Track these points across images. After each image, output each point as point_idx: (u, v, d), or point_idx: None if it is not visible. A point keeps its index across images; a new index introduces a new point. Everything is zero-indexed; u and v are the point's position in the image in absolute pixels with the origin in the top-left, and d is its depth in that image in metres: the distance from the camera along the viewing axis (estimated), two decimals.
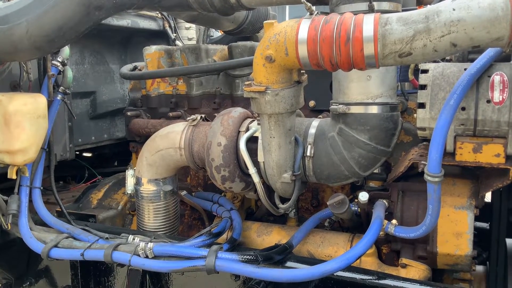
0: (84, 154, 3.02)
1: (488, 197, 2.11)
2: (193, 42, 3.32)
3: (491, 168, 1.55)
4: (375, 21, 1.29)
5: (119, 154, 3.14)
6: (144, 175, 2.02)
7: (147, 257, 1.79)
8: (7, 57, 1.99)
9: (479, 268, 2.01)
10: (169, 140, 1.96)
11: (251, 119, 1.86)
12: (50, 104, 2.12)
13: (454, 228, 1.63)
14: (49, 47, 1.96)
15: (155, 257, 1.80)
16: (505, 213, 1.92)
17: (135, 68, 2.55)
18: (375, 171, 1.77)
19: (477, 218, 1.97)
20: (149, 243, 1.81)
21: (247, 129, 1.81)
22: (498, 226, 1.93)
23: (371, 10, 1.40)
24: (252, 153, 1.77)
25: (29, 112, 1.98)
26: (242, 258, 1.69)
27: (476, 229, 2.02)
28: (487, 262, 2.02)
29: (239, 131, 1.82)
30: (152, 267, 1.80)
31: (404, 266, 1.73)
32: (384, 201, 1.75)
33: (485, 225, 2.11)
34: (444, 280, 1.85)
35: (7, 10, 1.85)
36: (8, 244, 2.20)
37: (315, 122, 1.74)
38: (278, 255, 1.72)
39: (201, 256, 1.72)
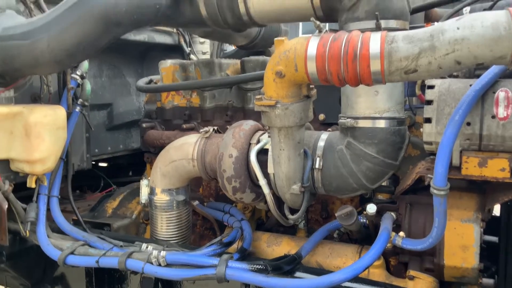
0: (100, 164, 3.03)
1: (497, 211, 2.12)
2: (207, 56, 3.33)
3: (496, 182, 1.53)
4: (382, 39, 1.30)
5: (134, 165, 3.14)
6: (158, 185, 2.03)
7: (159, 265, 1.80)
8: (28, 70, 2.03)
9: (489, 281, 1.98)
10: (183, 151, 1.97)
11: (262, 132, 1.87)
12: (69, 115, 2.15)
13: (461, 241, 1.62)
14: (69, 61, 2.01)
15: (168, 265, 1.80)
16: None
17: (150, 81, 2.56)
18: (383, 184, 1.75)
19: (486, 232, 1.96)
20: (162, 251, 1.82)
21: (258, 142, 1.82)
22: (506, 240, 1.90)
23: (378, 28, 1.40)
24: (263, 165, 1.77)
25: (48, 123, 2.00)
26: (252, 267, 1.70)
27: (485, 242, 2.00)
28: (496, 276, 1.99)
29: (250, 143, 1.83)
30: (164, 275, 1.81)
31: (412, 278, 1.72)
32: (392, 213, 1.74)
33: (494, 238, 2.08)
34: None
35: (30, 26, 1.88)
36: (26, 251, 2.20)
37: (324, 135, 1.74)
38: (287, 265, 1.72)
39: (212, 265, 1.73)
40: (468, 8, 1.98)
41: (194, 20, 1.86)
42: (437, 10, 2.04)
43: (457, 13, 1.96)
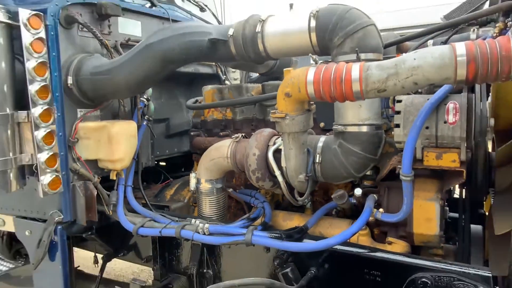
0: (161, 163, 3.03)
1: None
2: (237, 81, 3.34)
3: (450, 170, 1.55)
4: (360, 68, 1.34)
5: (185, 163, 3.13)
6: (202, 177, 2.07)
7: (204, 234, 1.82)
8: (110, 96, 2.09)
9: (450, 246, 1.98)
10: (220, 152, 2.00)
11: (277, 136, 1.88)
12: (138, 127, 2.18)
13: (425, 215, 1.62)
14: (138, 89, 2.09)
15: (210, 234, 1.82)
16: (468, 205, 1.89)
17: (196, 101, 2.61)
18: (367, 173, 1.76)
19: (451, 210, 1.96)
20: (206, 224, 1.84)
21: (274, 144, 1.84)
22: (462, 215, 1.90)
23: (358, 60, 1.46)
24: (277, 160, 1.79)
25: (124, 133, 2.04)
26: (271, 235, 1.72)
27: (450, 218, 1.99)
28: (457, 242, 1.98)
29: (268, 145, 1.85)
30: (208, 241, 1.83)
31: (390, 243, 1.74)
32: (374, 195, 1.76)
33: (456, 215, 2.04)
34: (422, 255, 1.80)
35: (111, 65, 1.95)
36: (109, 225, 2.23)
37: (322, 138, 1.77)
38: (297, 234, 1.74)
39: (242, 233, 1.75)
40: (431, 41, 1.96)
41: (227, 57, 1.86)
42: (408, 43, 2.02)
43: (422, 45, 1.95)
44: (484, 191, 1.84)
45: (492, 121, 1.57)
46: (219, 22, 3.68)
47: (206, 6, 3.50)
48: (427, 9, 11.33)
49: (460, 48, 1.19)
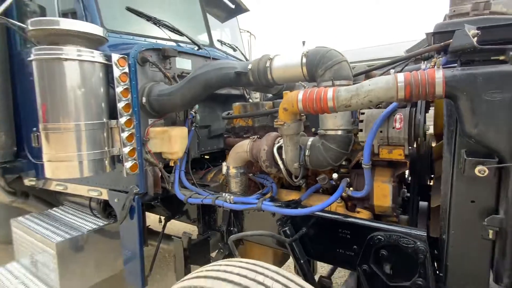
0: (205, 156, 2.99)
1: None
2: (257, 100, 3.23)
3: (398, 161, 1.58)
4: (333, 91, 1.37)
5: (221, 156, 3.04)
6: (231, 165, 2.07)
7: (231, 203, 1.87)
8: (170, 110, 2.07)
9: (404, 217, 1.93)
10: (242, 148, 2.01)
11: (280, 138, 1.88)
12: (188, 131, 2.21)
13: (382, 192, 1.64)
14: (189, 105, 2.07)
15: (235, 203, 1.87)
16: (416, 187, 1.87)
17: (228, 113, 2.56)
18: (342, 163, 1.77)
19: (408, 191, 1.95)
20: (232, 196, 1.89)
21: (278, 142, 1.85)
22: (413, 194, 1.89)
23: (333, 85, 1.50)
24: (280, 154, 1.80)
25: (179, 135, 2.05)
26: (275, 204, 1.77)
27: (406, 196, 1.99)
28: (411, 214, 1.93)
29: (274, 143, 1.85)
30: (233, 207, 1.87)
31: (358, 212, 1.76)
32: (347, 179, 1.77)
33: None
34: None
35: (171, 90, 1.95)
36: (169, 197, 2.24)
37: (311, 139, 1.77)
38: (294, 204, 1.77)
39: (255, 203, 1.80)
40: (392, 71, 1.94)
41: (247, 83, 1.85)
42: (374, 72, 1.97)
43: (385, 72, 1.88)
44: (427, 176, 1.84)
45: (427, 127, 1.57)
46: (246, 59, 3.71)
47: (237, 47, 3.58)
48: (395, 45, 11.01)
49: (400, 76, 1.21)
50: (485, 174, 1.15)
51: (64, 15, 2.21)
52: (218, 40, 3.21)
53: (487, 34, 1.16)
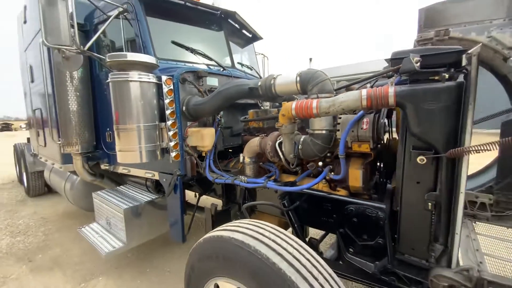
0: (229, 150, 2.86)
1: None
2: (267, 107, 3.24)
3: (366, 153, 1.59)
4: (317, 102, 1.43)
5: (240, 149, 2.73)
6: (246, 155, 2.07)
7: (245, 182, 1.90)
8: (202, 116, 2.09)
9: (376, 196, 1.98)
10: (254, 143, 2.01)
11: (280, 136, 1.86)
12: (216, 131, 2.21)
13: (354, 176, 1.63)
14: (215, 112, 2.06)
15: (248, 182, 1.86)
16: (383, 172, 1.89)
17: (245, 117, 2.57)
18: (327, 154, 1.74)
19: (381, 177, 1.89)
20: (246, 177, 1.95)
21: (279, 139, 1.87)
22: (382, 178, 1.89)
23: (317, 97, 1.56)
24: (280, 147, 1.82)
25: (209, 134, 2.08)
26: (277, 184, 1.79)
27: (379, 180, 1.99)
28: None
29: (276, 140, 1.87)
30: (247, 185, 1.90)
31: (338, 190, 1.77)
32: (330, 166, 1.74)
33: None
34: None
35: (203, 101, 2.03)
36: (202, 178, 2.22)
37: (303, 136, 1.75)
38: (291, 184, 1.79)
39: (263, 182, 1.84)
40: (369, 85, 1.92)
41: (259, 96, 1.85)
42: (354, 86, 1.94)
43: (363, 86, 1.90)
44: (391, 165, 1.86)
45: (387, 128, 1.63)
46: (260, 76, 3.82)
47: (252, 67, 3.69)
48: (376, 61, 10.65)
49: (364, 91, 1.29)
50: (424, 162, 1.25)
51: (128, 41, 2.31)
52: (238, 63, 3.27)
53: (427, 60, 1.24)
